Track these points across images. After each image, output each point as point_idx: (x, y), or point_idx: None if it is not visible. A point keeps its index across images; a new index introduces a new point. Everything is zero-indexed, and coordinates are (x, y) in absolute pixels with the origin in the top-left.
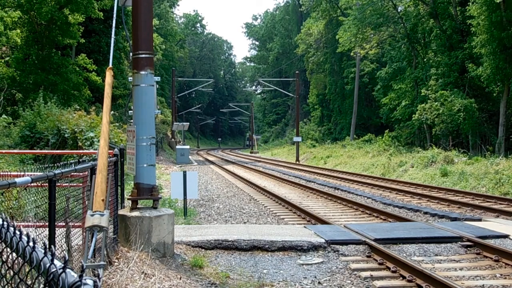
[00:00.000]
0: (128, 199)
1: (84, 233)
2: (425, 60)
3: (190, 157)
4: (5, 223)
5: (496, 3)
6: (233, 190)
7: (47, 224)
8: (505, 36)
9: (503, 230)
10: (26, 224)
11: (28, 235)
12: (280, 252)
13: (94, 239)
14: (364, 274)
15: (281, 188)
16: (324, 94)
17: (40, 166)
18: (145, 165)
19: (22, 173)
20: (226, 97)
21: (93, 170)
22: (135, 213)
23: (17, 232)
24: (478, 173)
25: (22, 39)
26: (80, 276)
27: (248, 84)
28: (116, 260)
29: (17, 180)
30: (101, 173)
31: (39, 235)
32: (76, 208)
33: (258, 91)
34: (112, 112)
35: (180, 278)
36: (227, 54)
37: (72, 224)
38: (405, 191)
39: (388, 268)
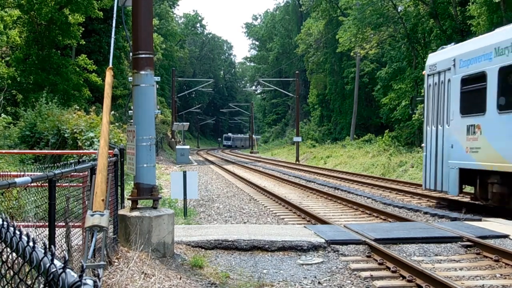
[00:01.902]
0: (128, 199)
1: (84, 233)
2: (425, 60)
3: (190, 157)
4: (5, 223)
5: (495, 3)
6: (233, 190)
7: (47, 224)
8: None
9: (503, 230)
10: (26, 224)
11: (28, 235)
12: (280, 252)
13: (94, 239)
14: (364, 274)
15: (281, 188)
16: (324, 94)
17: (40, 166)
18: (145, 165)
19: (22, 173)
20: (226, 97)
21: (93, 170)
22: (135, 213)
23: (17, 232)
24: None
25: (22, 39)
26: (80, 276)
27: (248, 84)
28: (116, 260)
29: (17, 180)
30: (101, 173)
31: (39, 235)
32: (76, 208)
33: (258, 91)
34: (112, 112)
35: (180, 278)
36: (227, 54)
37: (72, 224)
38: (405, 191)
39: (388, 268)
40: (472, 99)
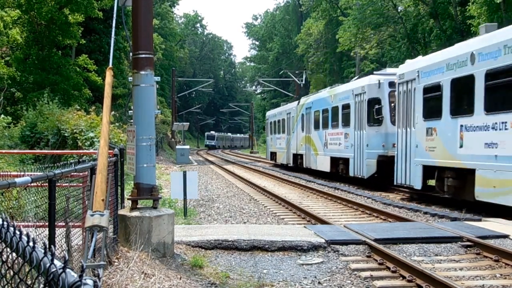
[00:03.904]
0: (128, 199)
1: (84, 233)
2: None
3: (190, 157)
4: (5, 223)
5: (496, 3)
6: (233, 190)
7: (47, 224)
8: None
9: (503, 230)
10: (26, 224)
11: (28, 235)
12: (280, 252)
13: (94, 239)
14: (364, 274)
15: (281, 188)
16: None
17: (40, 166)
18: (145, 165)
19: (22, 173)
20: (226, 97)
21: (93, 170)
22: (135, 213)
23: (17, 232)
24: None
25: (22, 39)
26: (80, 276)
27: (248, 84)
28: (116, 260)
29: (17, 180)
30: (101, 173)
31: (39, 235)
32: (76, 208)
33: (258, 91)
34: (113, 112)
35: (180, 278)
36: (227, 54)
37: (72, 224)
38: (405, 191)
39: (388, 268)
40: (275, 129)
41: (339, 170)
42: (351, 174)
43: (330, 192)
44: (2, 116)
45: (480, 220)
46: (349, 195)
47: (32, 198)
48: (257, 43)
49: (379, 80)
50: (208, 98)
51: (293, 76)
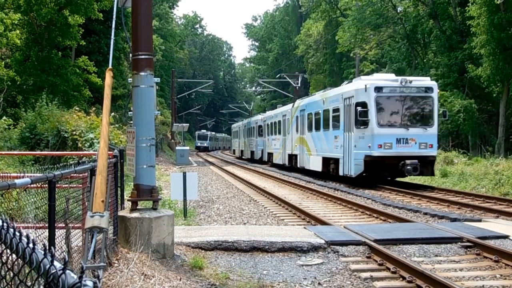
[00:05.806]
0: (128, 200)
1: (84, 234)
2: (424, 60)
3: (189, 158)
4: (5, 224)
5: (496, 4)
6: (232, 191)
7: (47, 225)
8: (504, 37)
9: (503, 230)
10: (26, 225)
11: (28, 237)
12: (280, 253)
13: (94, 240)
14: (364, 275)
15: (280, 189)
16: None
17: (40, 167)
18: (144, 166)
19: (22, 174)
20: (226, 98)
21: (92, 171)
22: (135, 214)
23: (17, 234)
24: (478, 173)
25: (22, 40)
26: (80, 277)
27: (248, 85)
28: (116, 261)
29: (17, 181)
30: (101, 174)
31: (39, 236)
32: (76, 209)
33: (258, 92)
34: (113, 113)
35: (180, 279)
36: (226, 55)
37: (72, 225)
38: (405, 192)
39: (388, 269)
40: (235, 135)
41: (253, 157)
42: (255, 158)
43: (329, 193)
44: (4, 118)
45: (480, 220)
46: (349, 196)
47: (32, 200)
48: (256, 44)
49: (261, 118)
50: (208, 99)
51: (291, 81)
